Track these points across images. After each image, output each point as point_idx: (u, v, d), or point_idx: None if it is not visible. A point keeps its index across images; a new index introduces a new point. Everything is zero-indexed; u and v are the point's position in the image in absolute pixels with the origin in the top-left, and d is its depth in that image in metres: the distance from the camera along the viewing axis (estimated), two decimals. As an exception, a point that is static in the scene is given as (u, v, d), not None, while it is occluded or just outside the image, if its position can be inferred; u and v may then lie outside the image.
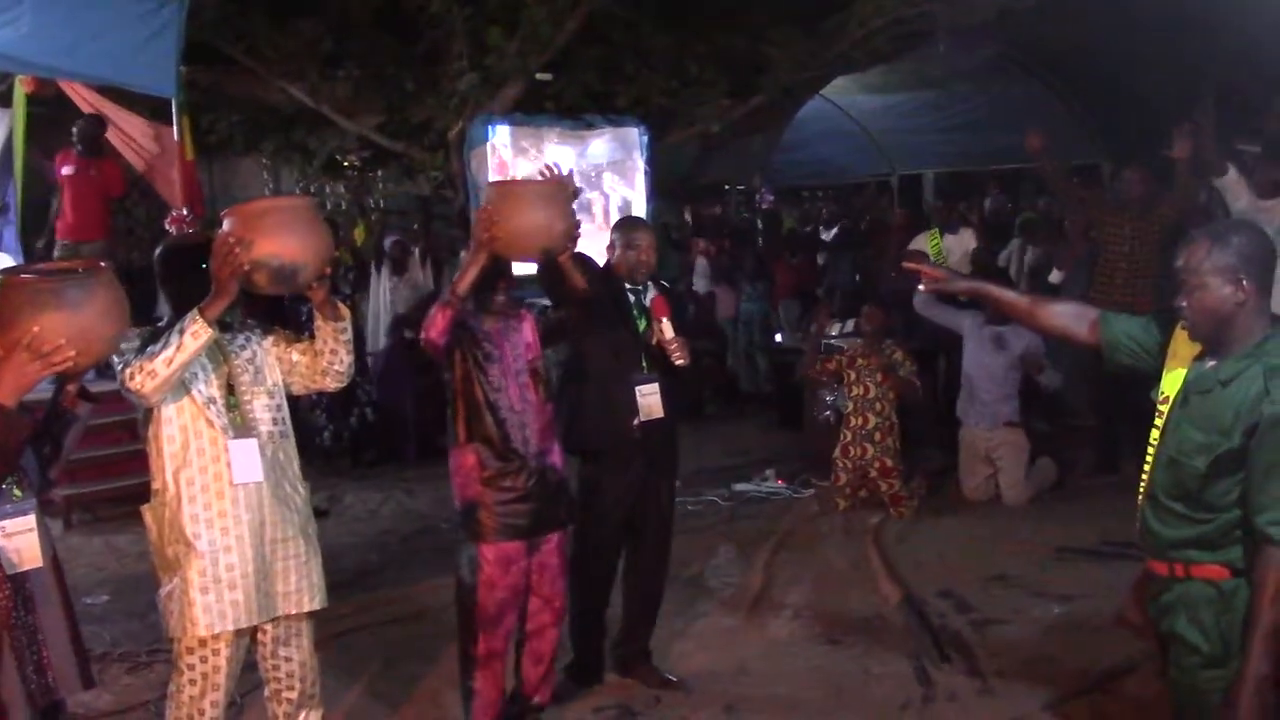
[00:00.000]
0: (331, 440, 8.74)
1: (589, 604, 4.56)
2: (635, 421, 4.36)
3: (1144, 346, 2.92)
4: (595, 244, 4.68)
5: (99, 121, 8.27)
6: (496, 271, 3.88)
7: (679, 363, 4.29)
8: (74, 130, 8.25)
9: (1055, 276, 8.47)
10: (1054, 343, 7.03)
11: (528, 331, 4.04)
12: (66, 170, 8.17)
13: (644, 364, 4.41)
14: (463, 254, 4.39)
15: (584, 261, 4.56)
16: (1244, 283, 2.63)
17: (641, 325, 4.43)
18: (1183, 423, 2.71)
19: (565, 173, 4.17)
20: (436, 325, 3.77)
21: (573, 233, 3.88)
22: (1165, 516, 2.74)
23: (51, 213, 8.35)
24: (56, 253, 8.05)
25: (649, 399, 4.38)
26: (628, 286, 4.46)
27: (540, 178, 4.08)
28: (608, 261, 4.51)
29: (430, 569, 5.79)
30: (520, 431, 3.93)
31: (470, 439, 3.92)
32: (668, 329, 4.30)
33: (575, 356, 4.54)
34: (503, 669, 4.04)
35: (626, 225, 4.59)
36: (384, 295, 9.59)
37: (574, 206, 4.06)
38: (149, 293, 7.61)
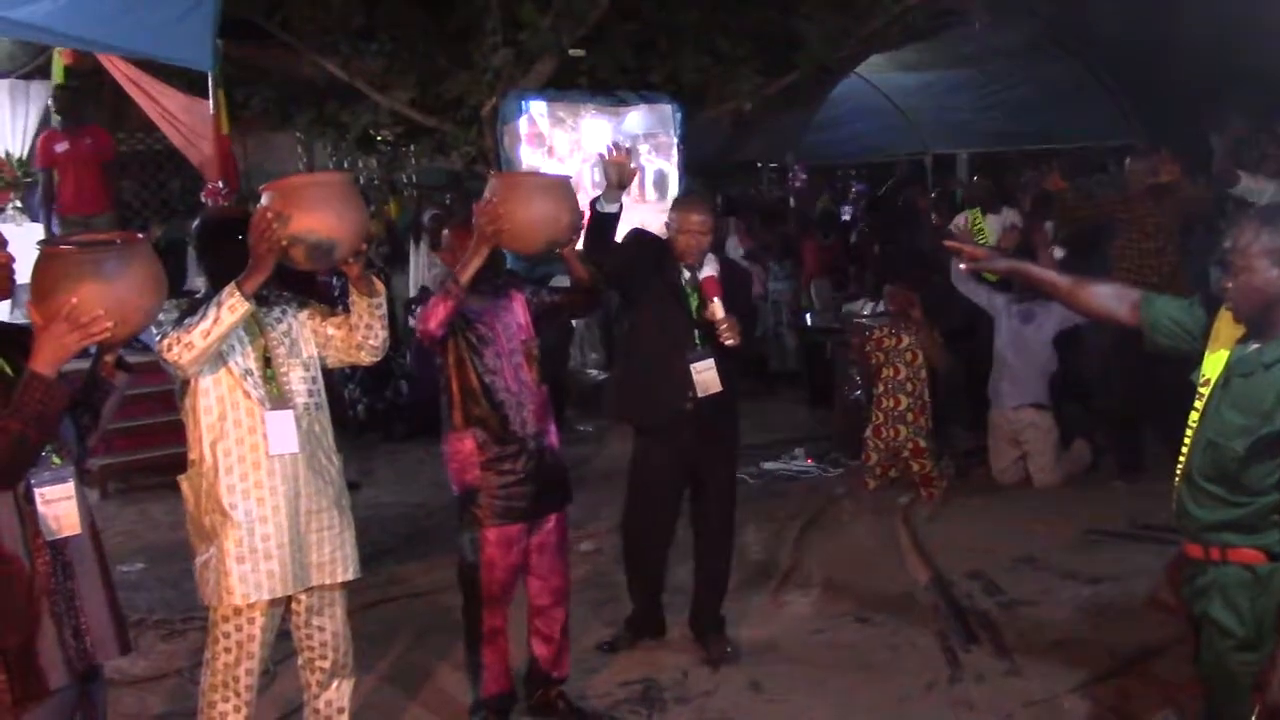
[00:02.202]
0: (366, 413, 8.80)
1: (639, 567, 4.73)
2: (690, 396, 4.40)
3: (1186, 328, 2.89)
4: (632, 218, 4.68)
5: (72, 90, 8.28)
6: (490, 255, 3.85)
7: (728, 343, 4.31)
8: (51, 106, 8.22)
9: (1057, 253, 8.25)
10: (1084, 328, 7.07)
11: (519, 313, 4.03)
12: (60, 147, 8.13)
13: (698, 341, 4.43)
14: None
15: (641, 235, 4.60)
16: (1292, 266, 2.60)
17: (694, 303, 4.44)
18: (1223, 405, 2.69)
19: (626, 149, 4.20)
20: (437, 316, 3.76)
21: (578, 225, 3.89)
22: (1202, 499, 2.73)
23: (40, 194, 8.31)
24: (59, 229, 8.02)
25: (705, 375, 4.41)
26: (683, 265, 4.48)
27: (544, 172, 4.10)
28: (668, 238, 4.55)
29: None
30: (518, 413, 3.92)
31: (468, 424, 3.91)
32: (718, 309, 4.31)
33: (630, 333, 4.58)
34: (507, 643, 4.08)
35: (682, 205, 4.61)
36: (422, 270, 9.58)
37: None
38: (180, 265, 7.69)
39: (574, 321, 8.35)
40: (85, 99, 8.27)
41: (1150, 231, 6.81)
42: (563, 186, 3.92)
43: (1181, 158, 6.92)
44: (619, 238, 4.42)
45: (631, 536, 4.74)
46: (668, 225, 4.53)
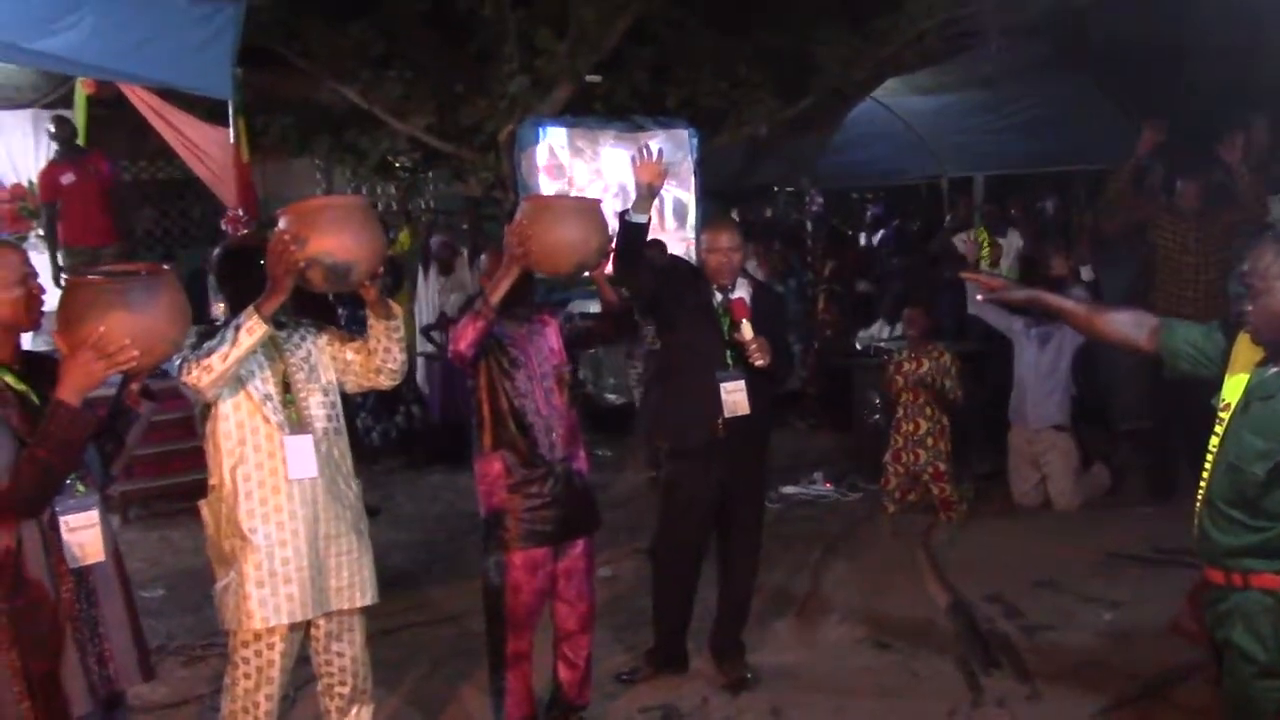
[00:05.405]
0: (380, 439, 8.80)
1: (667, 595, 4.68)
2: (720, 419, 4.39)
3: (1206, 354, 2.89)
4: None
5: (66, 121, 8.37)
6: (522, 279, 3.87)
7: (757, 363, 4.32)
8: (52, 137, 8.29)
9: (1087, 274, 8.21)
10: (1104, 351, 7.03)
11: (552, 337, 4.04)
12: (66, 179, 8.22)
13: (729, 362, 4.43)
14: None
15: (675, 261, 4.60)
16: (1311, 289, 2.60)
17: (727, 324, 4.44)
18: (1243, 429, 2.68)
19: (656, 154, 4.16)
20: (467, 337, 3.78)
21: (606, 249, 3.90)
22: (1223, 524, 2.72)
23: (47, 226, 8.36)
24: (64, 260, 8.10)
25: (734, 396, 4.40)
26: (715, 286, 4.48)
27: (576, 195, 4.10)
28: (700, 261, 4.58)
29: (478, 569, 5.82)
30: (546, 437, 3.94)
31: (496, 447, 3.93)
32: (747, 330, 4.32)
33: (662, 356, 4.59)
34: (530, 668, 4.07)
35: (711, 227, 4.65)
36: (432, 296, 9.56)
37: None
38: (201, 293, 7.76)
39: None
40: (70, 134, 8.31)
41: (1192, 249, 6.78)
42: (593, 210, 3.93)
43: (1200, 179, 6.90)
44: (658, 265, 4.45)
45: (663, 561, 4.70)
46: (699, 248, 4.55)
